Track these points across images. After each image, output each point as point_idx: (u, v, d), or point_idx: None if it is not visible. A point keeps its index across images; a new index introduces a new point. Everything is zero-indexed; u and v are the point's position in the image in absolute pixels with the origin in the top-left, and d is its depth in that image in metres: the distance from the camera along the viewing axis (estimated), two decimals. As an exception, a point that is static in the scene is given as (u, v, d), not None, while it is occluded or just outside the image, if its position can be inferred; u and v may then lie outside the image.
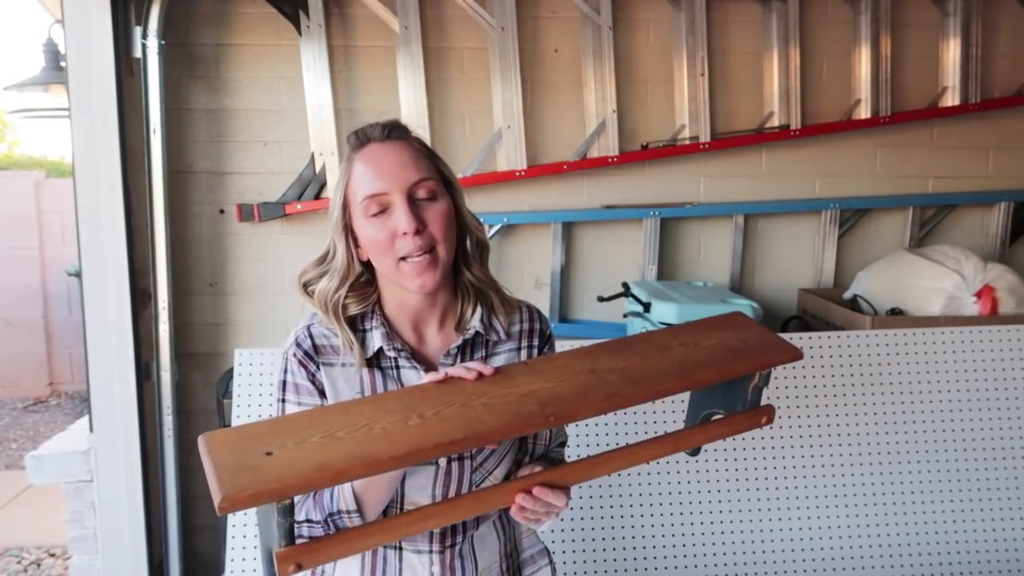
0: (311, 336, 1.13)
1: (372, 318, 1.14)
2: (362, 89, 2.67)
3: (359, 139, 1.12)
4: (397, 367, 1.13)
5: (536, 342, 1.22)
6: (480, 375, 1.02)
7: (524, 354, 1.20)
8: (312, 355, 1.12)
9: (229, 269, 2.68)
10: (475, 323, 1.16)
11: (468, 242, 1.18)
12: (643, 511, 2.10)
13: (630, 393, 1.03)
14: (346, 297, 1.12)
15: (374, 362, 1.13)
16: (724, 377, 1.10)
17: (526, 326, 1.22)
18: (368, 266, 1.15)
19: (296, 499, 1.11)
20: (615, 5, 2.68)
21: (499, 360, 1.18)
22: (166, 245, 2.47)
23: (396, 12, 2.59)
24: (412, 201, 1.08)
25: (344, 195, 1.11)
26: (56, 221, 5.85)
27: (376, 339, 1.12)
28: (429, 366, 1.14)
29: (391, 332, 1.13)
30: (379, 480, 1.03)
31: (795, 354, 1.13)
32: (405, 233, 1.06)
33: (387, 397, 1.02)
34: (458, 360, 1.15)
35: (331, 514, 1.06)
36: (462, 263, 1.17)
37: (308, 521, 1.08)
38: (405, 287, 1.10)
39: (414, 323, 1.16)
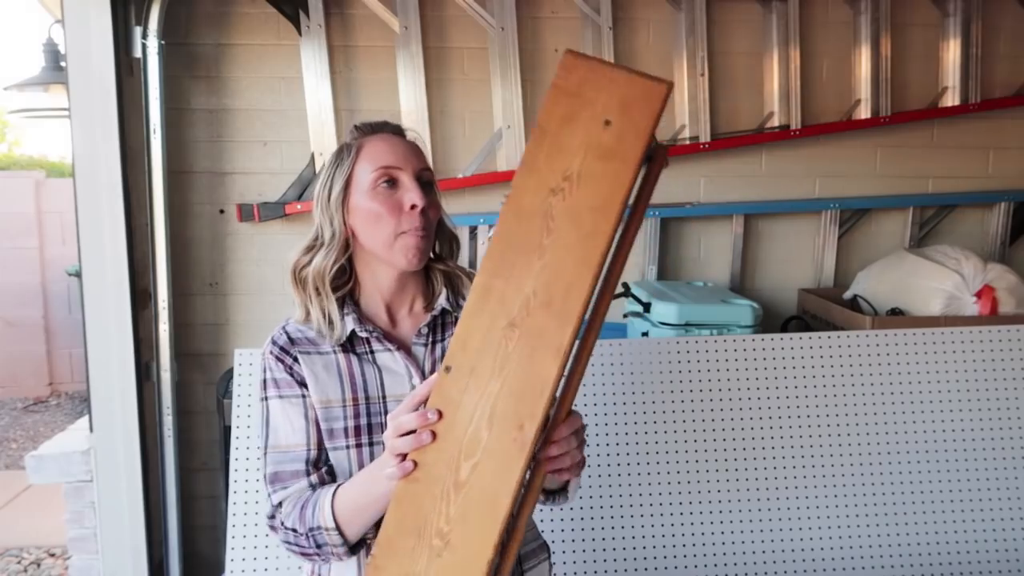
0: (286, 332, 1.19)
1: (343, 308, 1.19)
2: (362, 89, 2.67)
3: (373, 127, 1.21)
4: (372, 351, 1.19)
5: None
6: (432, 434, 0.93)
7: None
8: (288, 349, 1.17)
9: (229, 269, 2.68)
10: (442, 301, 1.22)
11: (443, 238, 1.26)
12: (643, 511, 2.10)
13: (569, 331, 0.87)
14: (333, 279, 1.18)
15: (349, 347, 1.18)
16: (626, 205, 0.88)
17: None
18: (347, 247, 1.20)
19: (284, 502, 1.12)
20: (615, 5, 2.68)
21: None
22: (166, 245, 2.47)
23: (396, 12, 2.59)
24: (420, 183, 1.17)
25: (350, 172, 1.17)
26: (56, 221, 5.85)
27: (348, 324, 1.17)
28: (402, 346, 1.19)
29: (362, 318, 1.19)
30: (370, 510, 1.05)
31: (662, 91, 0.86)
32: (414, 207, 1.14)
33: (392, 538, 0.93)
34: (429, 338, 1.21)
35: (311, 529, 1.08)
36: (435, 255, 1.26)
37: (293, 530, 1.11)
38: (393, 260, 1.16)
39: (388, 305, 1.22)
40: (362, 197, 1.15)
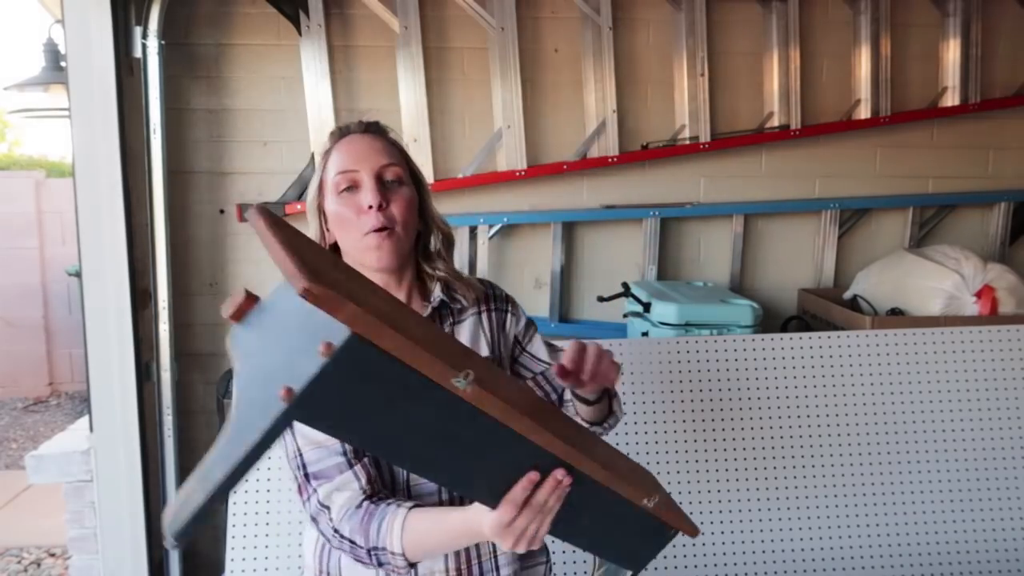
0: None
1: None
2: (362, 89, 2.67)
3: (340, 132, 1.24)
4: None
5: (494, 305, 1.29)
6: (560, 482, 0.91)
7: (485, 317, 1.26)
8: None
9: (229, 269, 2.68)
10: (438, 293, 1.22)
11: (434, 237, 1.25)
12: (643, 511, 2.10)
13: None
14: None
15: None
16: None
17: (482, 293, 1.28)
18: (335, 250, 1.22)
19: (342, 512, 1.07)
20: (615, 5, 2.68)
21: (465, 327, 1.24)
22: (166, 245, 2.47)
23: (396, 12, 2.59)
24: (380, 182, 1.16)
25: (321, 177, 1.21)
26: (56, 221, 5.85)
27: None
28: None
29: None
30: (446, 550, 1.07)
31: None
32: (370, 207, 1.14)
33: None
34: None
35: (375, 547, 1.04)
36: (425, 255, 1.25)
37: (352, 541, 1.06)
38: (366, 262, 1.16)
39: None
40: (331, 202, 1.18)
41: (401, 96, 2.62)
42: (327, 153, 1.21)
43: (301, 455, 1.11)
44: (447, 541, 1.04)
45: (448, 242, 1.27)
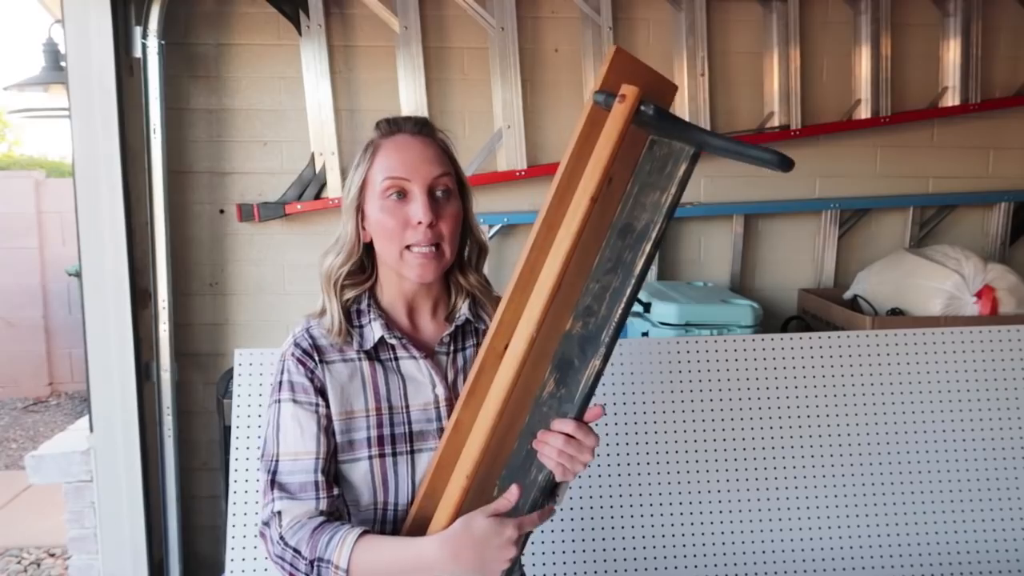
0: (311, 336, 1.15)
1: (369, 312, 1.16)
2: (362, 89, 2.67)
3: (390, 127, 1.18)
4: (396, 358, 1.16)
5: None
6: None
7: None
8: (311, 353, 1.13)
9: (229, 269, 2.68)
10: (465, 311, 1.20)
11: (469, 244, 1.22)
12: (643, 511, 2.10)
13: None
14: (345, 277, 1.16)
15: (373, 355, 1.15)
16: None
17: None
18: (366, 249, 1.18)
19: (294, 523, 1.06)
20: (615, 5, 2.68)
21: None
22: (166, 245, 2.48)
23: (396, 12, 2.59)
24: (431, 195, 1.12)
25: (365, 175, 1.15)
26: (56, 221, 5.85)
27: (376, 329, 1.15)
28: (427, 353, 1.17)
29: (389, 322, 1.16)
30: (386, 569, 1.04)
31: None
32: (419, 223, 1.10)
33: None
34: (451, 347, 1.19)
35: (320, 559, 1.03)
36: (459, 264, 1.21)
37: (296, 550, 1.05)
38: (404, 275, 1.14)
39: (409, 310, 1.19)
40: (374, 205, 1.13)
41: (401, 96, 2.62)
42: (374, 150, 1.15)
43: (277, 462, 1.10)
44: (394, 565, 1.03)
45: (481, 251, 1.23)
